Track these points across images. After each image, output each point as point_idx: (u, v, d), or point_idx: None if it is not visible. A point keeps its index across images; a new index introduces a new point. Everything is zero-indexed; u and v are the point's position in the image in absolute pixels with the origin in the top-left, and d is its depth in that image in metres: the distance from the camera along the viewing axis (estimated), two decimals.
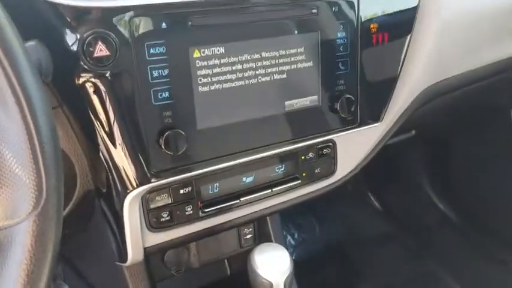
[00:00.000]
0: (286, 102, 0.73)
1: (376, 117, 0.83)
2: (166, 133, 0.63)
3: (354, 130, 0.81)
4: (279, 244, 0.77)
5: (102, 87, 0.59)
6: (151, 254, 0.76)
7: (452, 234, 1.67)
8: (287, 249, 0.77)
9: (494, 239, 1.57)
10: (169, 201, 0.72)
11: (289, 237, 1.75)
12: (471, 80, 0.99)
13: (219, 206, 0.75)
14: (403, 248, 1.77)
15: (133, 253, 0.72)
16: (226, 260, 1.04)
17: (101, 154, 0.64)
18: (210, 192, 0.76)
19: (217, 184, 0.76)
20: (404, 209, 1.84)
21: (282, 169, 0.81)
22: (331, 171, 0.86)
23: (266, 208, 0.82)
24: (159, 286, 0.89)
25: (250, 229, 0.94)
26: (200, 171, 0.69)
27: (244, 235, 0.94)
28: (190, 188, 0.73)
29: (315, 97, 0.75)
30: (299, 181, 0.82)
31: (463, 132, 1.54)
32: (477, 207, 1.62)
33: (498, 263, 1.54)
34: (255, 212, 0.81)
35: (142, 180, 0.65)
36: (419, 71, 0.86)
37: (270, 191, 0.79)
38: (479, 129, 1.50)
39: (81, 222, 0.78)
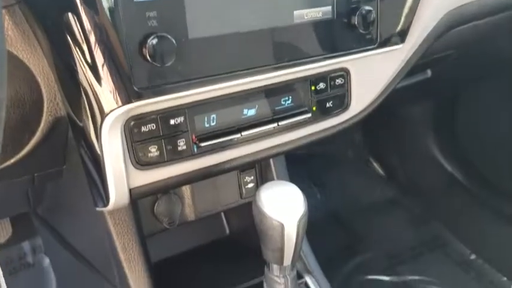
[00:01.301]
0: (295, 12, 0.61)
1: (398, 38, 0.71)
2: (151, 38, 0.51)
3: (372, 52, 0.69)
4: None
5: None
6: (139, 198, 0.64)
7: (460, 195, 1.59)
8: None
9: (505, 197, 1.48)
10: (159, 133, 0.60)
11: None
12: (493, 8, 0.88)
13: (216, 141, 0.64)
14: (407, 213, 1.69)
15: (117, 194, 0.60)
16: (224, 218, 0.93)
17: (74, 71, 0.52)
18: (206, 125, 0.64)
19: (214, 116, 0.64)
20: (408, 173, 1.75)
21: (289, 101, 0.70)
22: (345, 106, 0.75)
23: (270, 148, 0.71)
24: (150, 243, 0.77)
25: (252, 177, 0.82)
26: (192, 91, 0.57)
27: (245, 184, 0.82)
28: (182, 118, 0.61)
29: (329, 8, 0.63)
30: (309, 115, 0.70)
31: (472, 87, 1.44)
32: (486, 166, 1.53)
33: (509, 220, 1.46)
34: (258, 151, 0.70)
35: (122, 98, 0.53)
36: None
37: (275, 125, 0.68)
38: (489, 84, 1.40)
39: (54, 161, 0.66)
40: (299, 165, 1.73)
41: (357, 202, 1.71)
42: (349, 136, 1.83)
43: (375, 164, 1.81)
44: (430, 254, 1.54)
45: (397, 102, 1.48)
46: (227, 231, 0.93)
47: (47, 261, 1.29)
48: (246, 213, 0.75)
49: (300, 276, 0.77)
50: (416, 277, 1.44)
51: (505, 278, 1.44)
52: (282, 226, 0.59)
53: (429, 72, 1.04)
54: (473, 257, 1.51)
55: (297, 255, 0.63)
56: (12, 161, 0.58)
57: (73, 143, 0.62)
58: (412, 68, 0.84)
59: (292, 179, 1.80)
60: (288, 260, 0.63)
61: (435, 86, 1.23)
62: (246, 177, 0.82)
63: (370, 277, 1.44)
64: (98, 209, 0.65)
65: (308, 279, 0.77)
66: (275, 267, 0.64)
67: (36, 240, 1.33)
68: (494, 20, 0.89)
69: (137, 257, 0.68)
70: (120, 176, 0.59)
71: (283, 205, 0.60)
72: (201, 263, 0.86)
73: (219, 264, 0.85)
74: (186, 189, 0.78)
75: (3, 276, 0.97)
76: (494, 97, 1.43)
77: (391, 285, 1.43)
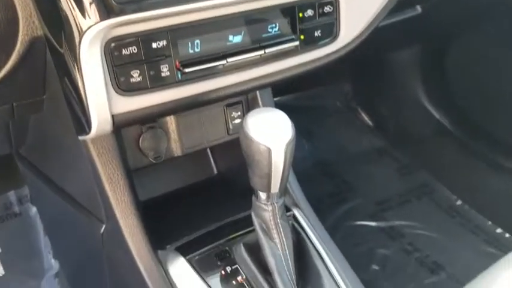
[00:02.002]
0: None
1: None
2: None
3: None
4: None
5: None
6: (122, 126, 0.63)
7: (448, 143, 1.59)
8: None
9: (493, 145, 1.49)
10: (140, 57, 0.58)
11: None
12: None
13: (201, 67, 0.62)
14: (395, 162, 1.69)
15: (99, 120, 0.58)
16: (211, 157, 0.92)
17: None
18: (190, 50, 0.62)
19: (199, 41, 0.62)
20: (397, 122, 1.74)
21: (276, 28, 0.67)
22: (334, 35, 0.72)
23: (257, 78, 0.69)
24: (138, 183, 0.76)
25: (239, 112, 0.81)
26: (172, 9, 0.55)
27: (232, 119, 0.80)
28: (164, 42, 0.59)
29: None
30: (296, 43, 0.68)
31: (463, 31, 1.42)
32: (476, 113, 1.53)
33: (496, 168, 1.47)
34: (244, 81, 0.68)
35: (101, 14, 0.50)
36: None
37: (262, 52, 0.66)
38: (480, 28, 1.38)
39: (33, 89, 0.63)
40: (287, 115, 1.72)
41: (345, 152, 1.72)
42: (338, 86, 1.82)
43: (363, 114, 1.80)
44: (416, 201, 1.56)
45: (386, 45, 1.46)
46: (215, 170, 0.92)
47: (33, 210, 1.28)
48: (234, 151, 0.74)
49: (288, 209, 0.77)
50: (403, 222, 1.46)
51: (489, 222, 1.47)
52: (269, 151, 0.58)
53: (419, 9, 1.02)
54: (459, 203, 1.54)
55: (284, 182, 0.63)
56: None
57: (53, 70, 0.59)
58: (402, 2, 0.82)
59: None
60: (275, 187, 0.62)
61: (424, 26, 1.21)
62: (233, 113, 0.80)
63: (357, 223, 1.46)
64: (80, 138, 0.64)
65: (296, 212, 0.77)
66: (263, 194, 0.63)
67: (22, 191, 1.32)
68: None
69: (123, 188, 0.67)
70: (102, 101, 0.58)
71: (270, 130, 0.59)
72: (189, 201, 0.85)
73: (208, 203, 0.84)
74: (171, 124, 0.76)
75: None
76: (485, 42, 1.41)
77: (378, 230, 1.45)
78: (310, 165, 1.64)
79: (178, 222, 0.77)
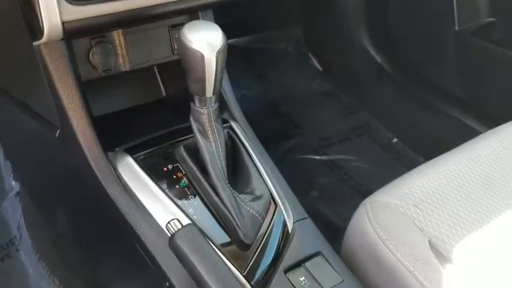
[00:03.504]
0: None
1: None
2: None
3: None
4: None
5: None
6: (72, 33, 0.70)
7: (387, 86, 1.72)
8: None
9: (427, 87, 1.63)
10: None
11: None
12: None
13: None
14: (340, 104, 1.82)
15: (50, 25, 0.65)
16: (160, 79, 1.00)
17: None
18: None
19: None
20: (343, 67, 1.86)
21: None
22: None
23: None
24: (90, 97, 0.83)
25: None
26: None
27: (176, 40, 0.88)
28: None
29: None
30: None
31: None
32: (414, 57, 1.66)
33: (428, 108, 1.62)
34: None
35: None
36: None
37: None
38: None
39: None
40: (240, 57, 1.80)
41: (295, 94, 1.82)
42: (290, 31, 1.90)
43: (313, 59, 1.90)
44: (357, 138, 1.70)
45: None
46: (164, 93, 1.01)
47: None
48: (180, 75, 0.82)
49: (225, 121, 0.87)
50: (342, 156, 1.60)
51: (422, 159, 1.62)
52: (202, 56, 0.67)
53: None
54: (395, 140, 1.68)
55: (217, 87, 0.72)
56: None
57: None
58: None
59: (233, 71, 1.88)
60: (209, 91, 0.71)
61: None
62: (177, 34, 0.88)
63: (301, 156, 1.59)
64: (35, 43, 0.71)
65: (232, 123, 0.87)
66: (198, 98, 0.73)
67: None
68: None
69: (75, 93, 0.74)
70: (53, 8, 0.65)
71: (204, 39, 0.68)
72: (138, 116, 0.93)
73: (155, 117, 0.93)
74: (119, 40, 0.83)
75: None
76: None
77: (320, 162, 1.58)
78: (260, 105, 1.74)
79: (127, 131, 0.86)
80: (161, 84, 1.01)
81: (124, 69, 0.86)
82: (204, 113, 0.74)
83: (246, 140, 0.85)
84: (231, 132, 0.84)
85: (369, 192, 0.88)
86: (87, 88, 0.81)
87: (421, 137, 1.65)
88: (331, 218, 1.37)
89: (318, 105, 1.80)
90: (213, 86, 0.71)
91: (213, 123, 0.75)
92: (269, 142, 1.60)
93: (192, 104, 0.75)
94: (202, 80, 0.70)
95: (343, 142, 1.67)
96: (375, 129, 1.72)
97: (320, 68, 1.91)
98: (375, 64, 1.73)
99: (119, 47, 0.84)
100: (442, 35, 1.52)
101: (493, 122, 1.12)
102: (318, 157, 1.60)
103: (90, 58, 0.81)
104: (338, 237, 0.87)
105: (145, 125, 0.89)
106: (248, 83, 1.78)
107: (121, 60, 0.85)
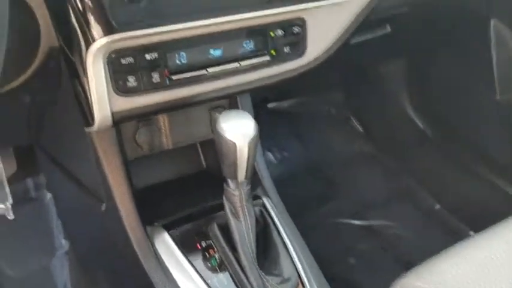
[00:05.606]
0: None
1: None
2: None
3: (323, 2, 0.81)
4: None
5: None
6: (121, 121, 0.77)
7: (430, 151, 1.71)
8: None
9: (473, 155, 1.60)
10: (136, 66, 0.73)
11: (270, 155, 1.77)
12: None
13: (186, 75, 0.76)
14: (381, 167, 1.81)
15: (101, 116, 0.73)
16: (201, 153, 1.06)
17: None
18: (177, 61, 0.76)
19: (184, 54, 0.76)
20: (385, 129, 1.87)
21: (251, 45, 0.81)
22: (301, 52, 0.86)
23: (234, 86, 0.83)
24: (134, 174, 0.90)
25: None
26: (163, 28, 0.70)
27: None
28: (156, 54, 0.73)
29: None
30: (267, 57, 0.82)
31: (443, 49, 1.54)
32: (456, 123, 1.64)
33: (475, 176, 1.58)
34: (223, 87, 0.82)
35: (103, 31, 0.65)
36: None
37: (237, 64, 0.80)
38: (459, 45, 1.50)
39: (49, 86, 0.79)
40: (281, 119, 1.86)
41: (334, 155, 1.84)
42: (331, 95, 1.95)
43: (354, 121, 1.92)
44: (397, 204, 1.68)
45: (370, 59, 1.59)
46: (204, 165, 1.07)
47: (48, 195, 1.44)
48: None
49: (259, 197, 0.91)
50: (382, 222, 1.59)
51: (466, 227, 1.58)
52: (235, 145, 0.72)
53: (388, 28, 1.14)
54: (437, 207, 1.65)
55: (249, 172, 0.76)
56: (14, 84, 0.71)
57: (65, 72, 0.74)
58: (369, 22, 0.96)
59: (275, 134, 1.93)
60: (241, 175, 0.76)
61: (398, 43, 1.33)
62: (216, 114, 0.94)
63: (340, 220, 1.59)
64: (87, 130, 0.78)
65: (265, 200, 0.91)
66: (231, 181, 0.77)
67: (39, 178, 1.48)
68: None
69: (120, 172, 0.81)
70: (104, 101, 0.72)
71: (237, 129, 0.73)
72: (177, 189, 0.99)
73: (193, 191, 0.98)
74: (163, 121, 0.91)
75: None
76: (463, 56, 1.53)
77: (358, 228, 1.57)
78: (300, 167, 1.77)
79: (166, 205, 0.92)
80: (202, 157, 1.07)
81: (167, 147, 0.92)
82: (236, 195, 0.78)
83: (277, 218, 0.88)
84: (263, 211, 0.88)
85: (408, 263, 0.86)
86: (131, 162, 0.88)
87: (465, 205, 1.61)
88: None
89: (359, 168, 1.81)
90: (245, 171, 0.75)
91: (244, 203, 0.79)
92: (307, 204, 1.63)
93: (225, 185, 0.79)
94: (234, 165, 0.74)
95: (383, 207, 1.66)
96: (416, 195, 1.69)
97: (361, 130, 1.92)
98: (416, 128, 1.73)
99: (163, 127, 0.91)
100: (484, 103, 1.51)
101: None
102: (357, 222, 1.59)
103: (136, 138, 0.89)
104: None
105: (184, 199, 0.94)
106: (288, 145, 1.82)
107: (164, 139, 0.92)
